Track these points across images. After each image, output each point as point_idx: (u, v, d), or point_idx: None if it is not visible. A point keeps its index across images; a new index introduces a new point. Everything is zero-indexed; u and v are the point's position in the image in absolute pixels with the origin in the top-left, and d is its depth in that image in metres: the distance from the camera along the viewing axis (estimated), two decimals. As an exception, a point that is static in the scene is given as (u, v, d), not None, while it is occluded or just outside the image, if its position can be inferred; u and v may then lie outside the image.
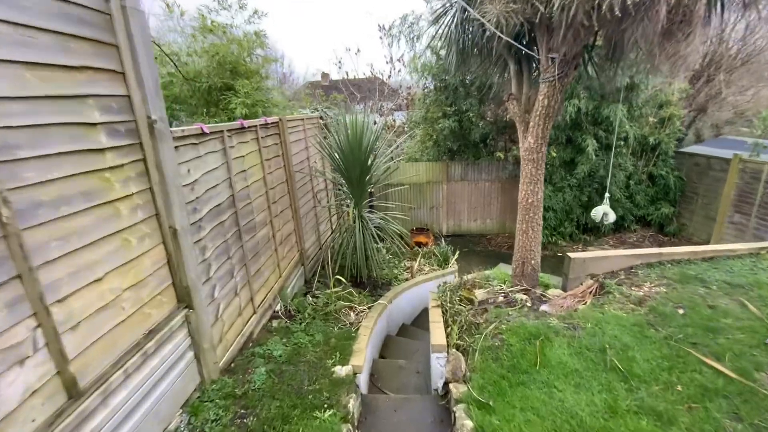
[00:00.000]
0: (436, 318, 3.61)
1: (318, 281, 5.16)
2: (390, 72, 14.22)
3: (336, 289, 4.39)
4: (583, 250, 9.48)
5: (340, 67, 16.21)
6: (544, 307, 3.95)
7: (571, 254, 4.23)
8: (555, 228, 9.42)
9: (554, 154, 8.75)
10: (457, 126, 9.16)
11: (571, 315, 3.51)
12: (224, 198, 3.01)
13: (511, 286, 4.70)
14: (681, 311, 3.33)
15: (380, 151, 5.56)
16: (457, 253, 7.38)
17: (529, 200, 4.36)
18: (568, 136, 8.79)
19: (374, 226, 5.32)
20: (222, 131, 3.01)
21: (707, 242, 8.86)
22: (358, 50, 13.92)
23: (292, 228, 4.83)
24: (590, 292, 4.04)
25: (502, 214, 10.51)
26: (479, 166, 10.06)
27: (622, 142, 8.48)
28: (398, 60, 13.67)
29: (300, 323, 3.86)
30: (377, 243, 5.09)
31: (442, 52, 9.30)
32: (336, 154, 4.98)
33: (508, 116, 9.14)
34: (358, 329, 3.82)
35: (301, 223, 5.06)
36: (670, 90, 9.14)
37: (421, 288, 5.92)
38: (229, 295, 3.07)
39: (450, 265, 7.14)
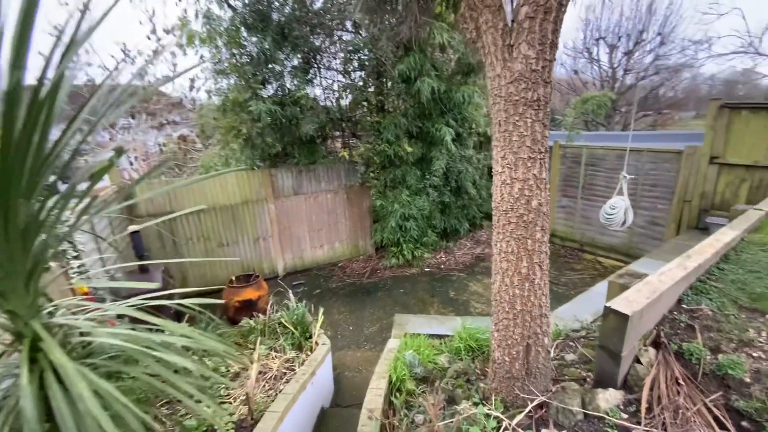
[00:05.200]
0: None
1: None
2: (157, 49, 9.54)
3: None
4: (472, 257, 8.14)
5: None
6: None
7: (618, 306, 1.95)
8: (418, 240, 7.66)
9: (409, 150, 6.92)
10: (279, 111, 6.04)
11: None
12: None
13: (504, 405, 2.06)
14: None
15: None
16: (321, 313, 4.27)
17: (532, 203, 1.84)
18: (418, 126, 7.15)
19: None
20: None
21: (541, 228, 9.06)
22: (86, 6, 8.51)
23: None
24: (678, 386, 1.84)
25: (353, 233, 8.05)
26: (316, 172, 7.25)
27: (475, 133, 7.52)
28: (167, 31, 9.25)
29: None
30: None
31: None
32: None
33: (347, 96, 6.72)
34: None
35: None
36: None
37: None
38: None
39: (314, 339, 3.97)
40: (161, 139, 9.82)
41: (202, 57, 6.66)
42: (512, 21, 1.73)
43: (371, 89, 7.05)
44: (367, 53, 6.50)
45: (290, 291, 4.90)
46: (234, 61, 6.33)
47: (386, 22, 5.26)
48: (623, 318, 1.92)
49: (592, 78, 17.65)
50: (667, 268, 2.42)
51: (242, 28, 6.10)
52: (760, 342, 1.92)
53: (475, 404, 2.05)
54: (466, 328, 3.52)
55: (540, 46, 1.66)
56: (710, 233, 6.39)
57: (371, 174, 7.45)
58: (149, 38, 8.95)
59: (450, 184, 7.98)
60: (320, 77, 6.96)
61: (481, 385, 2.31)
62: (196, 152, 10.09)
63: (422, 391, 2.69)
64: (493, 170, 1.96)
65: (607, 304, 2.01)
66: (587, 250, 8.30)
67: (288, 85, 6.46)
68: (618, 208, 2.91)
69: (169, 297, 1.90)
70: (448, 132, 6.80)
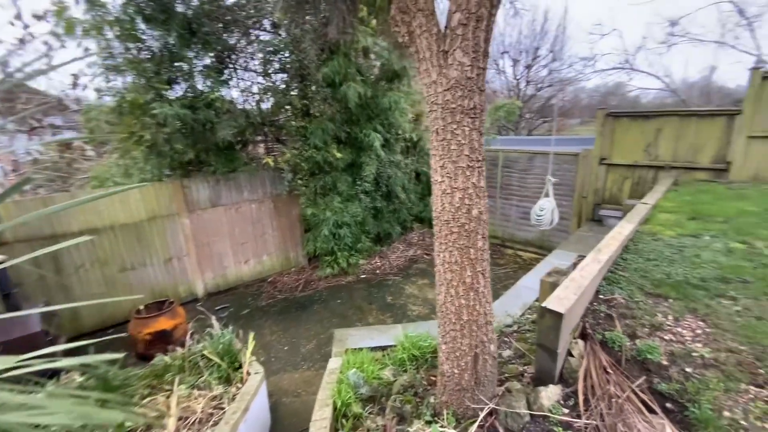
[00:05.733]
0: None
1: None
2: (23, 38, 7.91)
3: None
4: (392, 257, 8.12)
5: None
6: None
7: (552, 305, 2.04)
8: (352, 247, 7.51)
9: (339, 155, 6.75)
10: (189, 115, 5.39)
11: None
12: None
13: (455, 418, 2.02)
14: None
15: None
16: (252, 338, 3.86)
17: (473, 212, 1.82)
18: (347, 132, 7.01)
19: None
20: None
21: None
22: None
23: None
24: (607, 374, 1.99)
25: (282, 244, 7.58)
26: (237, 181, 6.65)
27: (402, 138, 7.63)
28: (38, 17, 7.73)
29: None
30: None
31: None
32: None
33: (268, 100, 6.31)
34: None
35: None
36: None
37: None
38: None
39: (245, 369, 3.56)
40: (36, 146, 8.16)
41: (87, 50, 5.66)
42: (446, 27, 1.69)
43: (294, 93, 6.71)
44: (288, 55, 6.16)
45: (213, 316, 4.37)
46: (131, 56, 5.48)
47: (309, 24, 5.04)
48: (558, 316, 2.01)
49: (500, 87, 19.42)
50: (586, 263, 2.63)
51: (139, 20, 5.31)
52: (669, 325, 2.17)
53: (428, 423, 1.97)
54: (407, 336, 3.46)
55: (474, 54, 1.64)
56: (603, 224, 7.41)
57: (299, 181, 7.09)
58: (13, 24, 7.38)
59: (381, 189, 7.99)
60: (237, 78, 6.42)
61: (431, 399, 2.25)
62: (87, 161, 8.60)
63: (370, 413, 2.54)
64: (432, 179, 1.91)
65: (543, 305, 2.08)
66: (508, 245, 9.00)
67: (200, 87, 5.81)
68: (546, 209, 3.17)
69: (51, 352, 1.47)
70: (377, 138, 6.79)
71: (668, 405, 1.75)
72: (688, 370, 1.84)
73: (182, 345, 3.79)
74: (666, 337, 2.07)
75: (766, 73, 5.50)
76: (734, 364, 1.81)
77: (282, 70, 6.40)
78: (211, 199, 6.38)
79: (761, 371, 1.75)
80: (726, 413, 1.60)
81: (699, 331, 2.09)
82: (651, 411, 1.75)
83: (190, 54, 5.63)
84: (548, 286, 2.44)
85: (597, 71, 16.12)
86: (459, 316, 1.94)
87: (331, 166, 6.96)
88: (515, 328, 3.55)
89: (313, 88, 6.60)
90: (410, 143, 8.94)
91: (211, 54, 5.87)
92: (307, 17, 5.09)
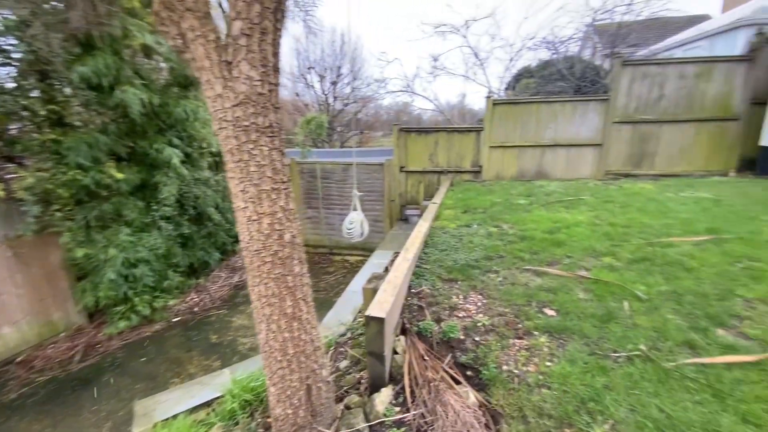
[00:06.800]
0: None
1: None
2: None
3: None
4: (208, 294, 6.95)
5: None
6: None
7: (374, 312, 2.14)
8: (156, 287, 6.14)
9: (120, 176, 5.35)
10: None
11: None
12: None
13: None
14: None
15: None
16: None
17: (285, 237, 1.69)
18: (130, 146, 5.66)
19: None
20: None
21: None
22: None
23: None
24: (424, 361, 2.26)
25: (38, 304, 5.45)
26: (-69, 224, 4.32)
27: (208, 153, 6.73)
28: None
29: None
30: None
31: None
32: None
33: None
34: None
35: None
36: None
37: None
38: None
39: None
40: None
41: None
42: (227, 35, 1.49)
43: (35, 94, 4.90)
44: (14, 42, 4.43)
45: None
46: None
47: (39, 5, 3.74)
48: (380, 322, 2.12)
49: (311, 101, 20.12)
50: (398, 263, 2.93)
51: None
52: (461, 304, 2.64)
53: (265, 483, 1.72)
54: (236, 381, 3.02)
55: (263, 68, 1.51)
56: (409, 222, 8.69)
57: (57, 214, 5.23)
58: None
59: (187, 212, 6.84)
60: None
61: (267, 451, 1.99)
62: None
63: (193, 498, 2.04)
64: (234, 206, 1.67)
65: (367, 314, 2.16)
66: (336, 252, 9.34)
67: None
68: (355, 222, 3.36)
69: None
70: (174, 153, 5.76)
71: (469, 373, 2.13)
72: (477, 339, 2.29)
73: None
74: (460, 315, 2.53)
75: (495, 101, 7.67)
76: (503, 325, 2.38)
77: (5, 62, 4.54)
78: None
79: (520, 326, 2.36)
80: (504, 367, 2.06)
81: (479, 304, 2.65)
82: (458, 383, 2.08)
83: None
84: (370, 293, 2.57)
85: (389, 92, 18.97)
86: (284, 352, 1.77)
87: (110, 190, 5.47)
88: (349, 335, 3.62)
89: (68, 90, 5.00)
90: (219, 157, 8.03)
91: None
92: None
